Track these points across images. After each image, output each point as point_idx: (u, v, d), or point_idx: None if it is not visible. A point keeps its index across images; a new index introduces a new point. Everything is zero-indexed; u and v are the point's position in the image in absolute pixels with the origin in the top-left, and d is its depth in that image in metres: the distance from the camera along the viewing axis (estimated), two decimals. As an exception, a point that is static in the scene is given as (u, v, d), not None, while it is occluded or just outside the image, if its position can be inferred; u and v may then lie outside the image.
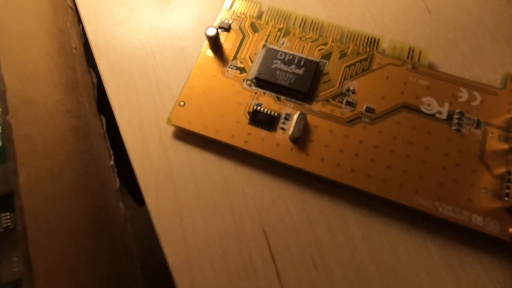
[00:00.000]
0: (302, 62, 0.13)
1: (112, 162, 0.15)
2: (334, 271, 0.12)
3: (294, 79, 0.13)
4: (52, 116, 0.12)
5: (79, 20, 0.17)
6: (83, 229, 0.12)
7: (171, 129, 0.14)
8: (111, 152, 0.15)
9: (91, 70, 0.16)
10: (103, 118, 0.15)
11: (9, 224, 0.14)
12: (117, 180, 0.15)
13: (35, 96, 0.12)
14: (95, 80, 0.16)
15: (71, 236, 0.11)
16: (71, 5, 0.17)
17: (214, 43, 0.14)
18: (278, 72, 0.13)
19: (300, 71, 0.13)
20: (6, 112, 0.11)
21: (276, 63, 0.14)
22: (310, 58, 0.14)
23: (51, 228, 0.11)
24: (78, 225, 0.12)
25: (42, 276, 0.10)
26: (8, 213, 0.14)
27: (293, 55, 0.14)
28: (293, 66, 0.13)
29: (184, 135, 0.14)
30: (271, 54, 0.14)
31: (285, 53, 0.14)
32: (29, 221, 0.10)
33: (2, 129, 0.15)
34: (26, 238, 0.10)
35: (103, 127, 0.15)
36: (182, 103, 0.13)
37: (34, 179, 0.11)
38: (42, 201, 0.11)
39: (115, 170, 0.15)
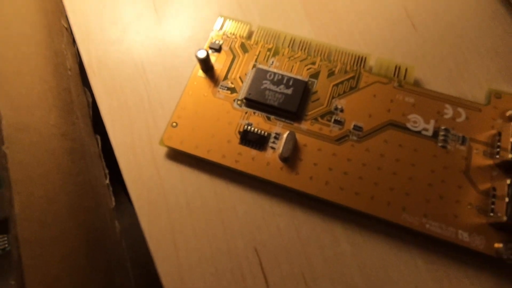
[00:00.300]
0: (291, 82, 0.14)
1: (107, 181, 0.15)
2: (324, 286, 0.12)
3: (283, 99, 0.13)
4: (46, 141, 0.13)
5: (74, 41, 0.17)
6: (77, 250, 0.12)
7: (163, 149, 0.14)
8: (107, 171, 0.15)
9: (86, 89, 0.16)
10: (98, 137, 0.15)
11: (6, 246, 0.14)
12: (113, 198, 0.15)
13: (29, 122, 0.12)
14: (90, 99, 0.16)
15: (66, 258, 0.12)
16: (66, 26, 0.17)
17: (205, 64, 0.14)
18: (267, 92, 0.14)
19: (289, 91, 0.14)
20: (1, 141, 0.11)
21: (265, 83, 0.14)
22: (299, 77, 0.14)
23: (46, 252, 0.11)
24: (73, 247, 0.12)
25: (37, 300, 0.10)
26: (5, 235, 0.14)
27: (282, 75, 0.14)
28: (282, 86, 0.14)
29: (176, 155, 0.14)
30: (260, 75, 0.14)
31: (274, 73, 0.14)
32: (24, 248, 0.10)
33: None
34: (21, 265, 0.10)
35: (98, 146, 0.15)
36: (174, 124, 0.14)
37: (29, 206, 0.11)
38: (37, 227, 0.11)
39: (111, 189, 0.15)
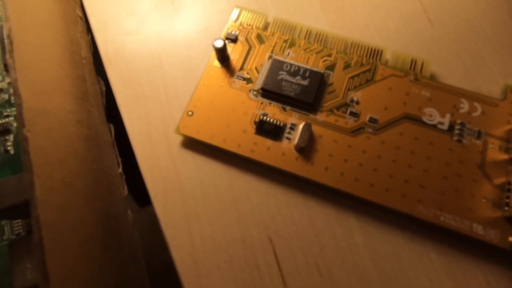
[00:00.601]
0: (307, 73, 0.14)
1: (120, 170, 0.15)
2: (337, 276, 0.12)
3: (299, 90, 0.14)
4: (63, 127, 0.13)
5: (88, 30, 0.17)
6: (93, 237, 0.12)
7: (179, 138, 0.14)
8: (119, 159, 0.15)
9: (99, 79, 0.17)
10: (111, 126, 0.16)
11: (21, 231, 0.14)
12: (125, 187, 0.15)
13: (47, 107, 0.13)
14: (103, 89, 0.16)
15: (83, 245, 0.12)
16: (80, 15, 0.17)
17: (222, 54, 0.14)
18: (283, 83, 0.14)
19: (305, 82, 0.14)
20: (22, 125, 0.11)
21: (281, 74, 0.14)
22: (315, 69, 0.14)
23: (64, 237, 0.11)
24: (89, 233, 0.12)
25: (57, 284, 0.10)
26: (19, 220, 0.15)
27: (299, 66, 0.14)
28: (298, 77, 0.14)
29: (192, 144, 0.14)
30: (277, 65, 0.14)
31: (291, 64, 0.14)
32: (45, 231, 0.10)
33: (15, 139, 0.15)
34: (42, 247, 0.10)
35: (111, 135, 0.16)
36: (190, 113, 0.14)
37: (49, 189, 0.11)
38: (56, 211, 0.11)
39: (123, 177, 0.15)
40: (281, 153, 0.13)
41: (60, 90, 0.14)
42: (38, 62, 0.13)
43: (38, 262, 0.10)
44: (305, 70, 0.14)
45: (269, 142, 0.13)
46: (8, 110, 0.16)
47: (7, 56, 0.12)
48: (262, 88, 0.14)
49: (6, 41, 0.12)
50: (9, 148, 0.15)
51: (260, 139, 0.13)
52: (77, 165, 0.13)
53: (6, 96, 0.16)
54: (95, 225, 0.13)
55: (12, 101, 0.16)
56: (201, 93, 0.14)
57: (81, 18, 0.17)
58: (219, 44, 0.14)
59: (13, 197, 0.13)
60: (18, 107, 0.12)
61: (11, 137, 0.15)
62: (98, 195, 0.14)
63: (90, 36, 0.17)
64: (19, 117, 0.11)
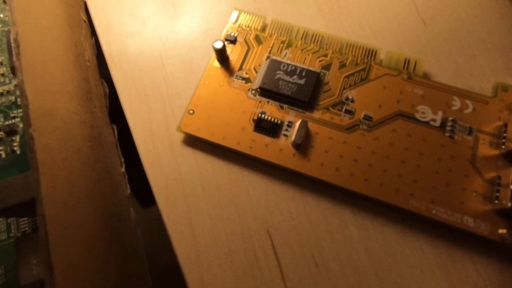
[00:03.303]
0: (304, 73, 0.14)
1: (123, 169, 0.16)
2: (333, 268, 0.12)
3: (296, 89, 0.14)
4: (68, 127, 0.13)
5: (92, 33, 0.18)
6: (96, 235, 0.13)
7: (180, 135, 0.15)
8: (122, 159, 0.16)
9: (103, 81, 0.17)
10: (114, 127, 0.16)
11: (26, 229, 0.15)
12: (128, 186, 0.15)
13: (53, 108, 0.13)
14: (107, 90, 0.17)
15: (86, 241, 0.12)
16: (84, 19, 0.18)
17: (221, 55, 0.15)
18: (281, 82, 0.14)
19: (302, 81, 0.14)
20: (29, 124, 0.12)
21: (279, 73, 0.14)
22: (311, 69, 0.14)
23: (69, 233, 0.11)
24: (92, 231, 0.13)
25: (62, 278, 0.11)
26: (26, 219, 0.15)
27: (295, 66, 0.14)
28: (295, 77, 0.14)
29: (193, 141, 0.15)
30: (274, 65, 0.15)
31: (288, 64, 0.15)
32: (50, 227, 0.11)
33: (21, 139, 0.16)
34: (48, 242, 0.10)
35: (114, 136, 0.16)
36: (191, 111, 0.14)
37: (54, 187, 0.12)
38: (61, 208, 0.12)
39: (126, 176, 0.15)
40: (279, 149, 0.14)
41: (65, 91, 0.15)
42: (43, 65, 0.14)
43: (44, 256, 0.11)
44: (302, 69, 0.14)
45: (267, 139, 0.14)
46: (15, 112, 0.16)
47: (14, 58, 0.13)
48: (260, 87, 0.14)
49: (13, 44, 0.13)
50: (15, 148, 0.16)
51: (259, 136, 0.14)
52: (81, 164, 0.14)
53: (13, 98, 0.17)
54: (99, 222, 0.13)
55: (19, 103, 0.17)
56: (202, 92, 0.15)
57: (85, 21, 0.18)
58: (218, 45, 0.14)
59: (19, 195, 0.14)
60: (24, 108, 0.12)
61: (17, 138, 0.16)
62: (101, 194, 0.14)
63: (94, 39, 0.17)
64: (25, 118, 0.12)
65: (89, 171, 0.14)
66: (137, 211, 0.15)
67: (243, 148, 0.14)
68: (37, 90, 0.14)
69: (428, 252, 0.13)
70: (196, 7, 0.17)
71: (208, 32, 0.17)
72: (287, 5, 0.17)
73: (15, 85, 0.17)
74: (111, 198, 0.15)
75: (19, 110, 0.16)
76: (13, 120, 0.16)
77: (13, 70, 0.17)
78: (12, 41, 0.14)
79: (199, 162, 0.14)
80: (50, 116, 0.13)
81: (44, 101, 0.14)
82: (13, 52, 0.13)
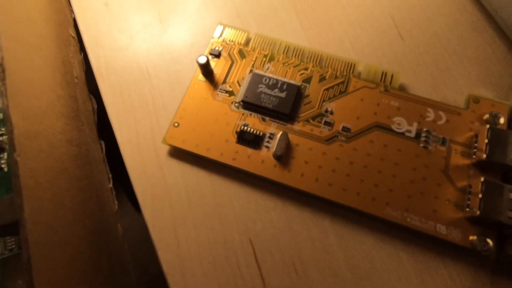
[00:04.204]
0: (285, 86, 0.15)
1: (110, 185, 0.16)
2: (313, 275, 0.13)
3: (277, 102, 0.15)
4: (54, 147, 0.14)
5: (81, 49, 0.18)
6: (82, 253, 0.13)
7: (166, 147, 0.15)
8: (110, 175, 0.16)
9: (91, 96, 0.17)
10: (102, 142, 0.16)
11: (13, 247, 0.15)
12: (115, 202, 0.16)
13: (38, 130, 0.13)
14: (95, 106, 0.17)
15: (72, 261, 0.12)
16: (73, 35, 0.18)
17: (205, 69, 0.15)
18: (263, 95, 0.15)
19: (283, 94, 0.15)
20: (13, 149, 0.12)
21: (261, 87, 0.15)
22: (292, 82, 0.15)
23: (53, 255, 0.12)
24: (78, 250, 0.13)
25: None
26: (13, 237, 0.15)
27: (277, 80, 0.15)
28: (276, 90, 0.15)
29: (178, 153, 0.15)
30: (256, 79, 0.15)
31: (269, 78, 0.15)
32: (34, 250, 0.11)
33: (9, 157, 0.16)
34: (30, 266, 0.11)
35: (102, 152, 0.16)
36: (176, 124, 0.15)
37: (38, 210, 0.12)
38: (45, 230, 0.12)
39: (114, 192, 0.16)
40: (261, 160, 0.14)
41: (51, 112, 0.15)
42: (29, 87, 0.14)
43: (27, 281, 0.11)
44: (283, 83, 0.15)
45: (249, 150, 0.14)
46: (3, 129, 0.17)
47: (0, 83, 0.13)
48: (242, 101, 0.15)
49: None
50: (3, 166, 0.16)
51: (241, 148, 0.14)
52: (67, 183, 0.14)
53: (0, 116, 0.17)
54: (84, 241, 0.13)
55: (9, 117, 0.17)
56: (187, 105, 0.15)
57: (73, 38, 0.18)
58: (202, 60, 0.15)
59: (6, 217, 0.14)
60: (9, 133, 0.12)
61: (5, 155, 0.16)
62: (88, 212, 0.14)
63: (82, 55, 0.18)
64: (10, 142, 0.12)
65: (75, 190, 0.14)
66: (130, 218, 0.15)
67: (226, 159, 0.14)
68: (22, 113, 0.14)
69: (404, 259, 0.13)
70: (182, 22, 0.18)
71: (194, 46, 0.17)
72: (270, 20, 0.18)
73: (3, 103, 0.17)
74: (98, 215, 0.15)
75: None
76: (1, 138, 0.16)
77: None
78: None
79: (184, 173, 0.15)
80: (35, 138, 0.14)
81: (29, 124, 0.14)
82: None
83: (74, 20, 0.18)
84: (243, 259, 0.13)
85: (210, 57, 0.16)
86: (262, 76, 0.15)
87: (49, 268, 0.11)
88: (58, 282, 0.11)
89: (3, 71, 0.13)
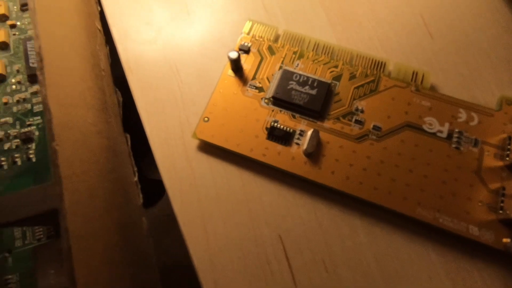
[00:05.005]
0: (315, 83, 0.15)
1: (136, 179, 0.16)
2: (343, 274, 0.13)
3: (308, 99, 0.15)
4: (86, 138, 0.14)
5: (107, 42, 0.18)
6: (113, 245, 0.13)
7: (195, 141, 0.15)
8: (135, 168, 0.16)
9: (117, 89, 0.17)
10: (128, 136, 0.17)
11: (42, 237, 0.15)
12: (141, 196, 0.16)
13: (72, 120, 0.13)
14: (120, 99, 0.17)
15: (105, 252, 0.13)
16: (99, 28, 0.18)
17: (236, 64, 0.15)
18: (293, 92, 0.15)
19: (314, 92, 0.15)
20: (52, 138, 0.12)
21: (291, 84, 0.15)
22: (323, 79, 0.15)
23: (89, 245, 0.12)
24: (110, 241, 0.13)
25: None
26: (41, 227, 0.15)
27: (307, 77, 0.15)
28: (307, 87, 0.15)
29: (207, 147, 0.15)
30: (287, 76, 0.15)
31: (300, 75, 0.15)
32: (73, 240, 0.11)
33: (37, 147, 0.16)
34: (71, 256, 0.11)
35: (128, 145, 0.16)
36: (206, 119, 0.15)
37: (75, 200, 0.12)
38: (81, 221, 0.12)
39: (139, 186, 0.16)
40: (291, 157, 0.14)
41: (83, 102, 0.15)
42: (63, 77, 0.14)
43: (67, 269, 0.11)
44: (314, 80, 0.15)
45: (279, 147, 0.14)
46: (31, 119, 0.17)
47: (38, 73, 0.13)
48: (273, 97, 0.15)
49: (36, 58, 0.13)
50: (31, 156, 0.16)
51: (271, 144, 0.14)
52: (98, 176, 0.14)
53: (29, 106, 0.17)
54: (115, 233, 0.14)
55: (35, 111, 0.17)
56: (216, 100, 0.15)
57: (100, 30, 0.18)
58: (234, 55, 0.15)
59: (38, 207, 0.14)
60: (48, 122, 0.12)
61: (33, 146, 0.16)
62: (116, 204, 0.14)
63: (108, 48, 0.18)
64: (48, 131, 0.12)
65: (106, 183, 0.14)
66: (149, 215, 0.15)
67: (256, 155, 0.14)
68: (59, 103, 0.14)
69: (435, 260, 0.13)
70: (210, 16, 0.18)
71: (221, 41, 0.17)
72: (298, 16, 0.18)
73: (32, 93, 0.17)
74: (125, 208, 0.15)
75: (35, 118, 0.17)
76: (29, 128, 0.16)
77: (29, 78, 0.17)
78: (34, 54, 0.14)
79: (213, 168, 0.15)
80: (70, 128, 0.14)
81: (64, 114, 0.14)
82: (37, 66, 0.13)
83: (100, 13, 0.18)
84: (273, 255, 0.13)
85: (240, 52, 0.16)
86: (292, 73, 0.15)
87: (86, 258, 0.11)
88: (94, 273, 0.12)
89: (41, 60, 0.13)
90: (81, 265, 0.11)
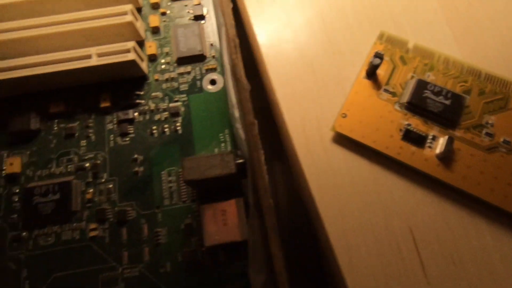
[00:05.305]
0: (449, 95, 0.16)
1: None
2: (469, 268, 0.14)
3: (442, 108, 0.16)
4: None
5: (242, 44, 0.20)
6: None
7: (329, 134, 0.17)
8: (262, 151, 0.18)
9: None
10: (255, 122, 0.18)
11: (186, 199, 0.17)
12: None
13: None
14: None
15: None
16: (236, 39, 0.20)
17: (374, 69, 0.17)
18: (428, 100, 0.16)
19: (448, 102, 0.16)
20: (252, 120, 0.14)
21: (426, 92, 0.16)
22: (457, 92, 0.16)
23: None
24: None
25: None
26: (186, 191, 0.17)
27: (441, 88, 0.16)
28: (441, 97, 0.16)
29: (342, 140, 0.17)
30: (422, 85, 0.16)
31: (434, 85, 0.16)
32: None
33: (183, 121, 0.18)
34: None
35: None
36: (344, 115, 0.17)
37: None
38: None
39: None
40: (424, 159, 0.15)
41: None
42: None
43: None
44: (447, 91, 0.16)
45: (413, 148, 0.16)
46: (177, 96, 0.19)
47: (233, 57, 0.15)
48: (408, 102, 0.16)
49: (231, 44, 0.15)
50: (178, 128, 0.19)
51: (405, 144, 0.16)
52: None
53: (176, 84, 0.19)
54: None
55: (181, 89, 0.19)
56: (353, 99, 0.17)
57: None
58: (376, 61, 0.16)
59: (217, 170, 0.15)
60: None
61: (179, 119, 0.19)
62: None
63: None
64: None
65: None
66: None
67: (391, 153, 0.16)
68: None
69: (558, 269, 0.14)
70: (342, 25, 0.19)
71: (353, 48, 0.19)
72: (423, 31, 0.19)
73: (178, 73, 0.20)
74: None
75: (181, 95, 0.19)
76: (176, 103, 0.19)
77: (179, 60, 0.20)
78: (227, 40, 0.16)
79: (347, 159, 0.16)
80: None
81: None
82: (229, 52, 0.15)
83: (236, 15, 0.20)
84: (404, 244, 0.15)
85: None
86: (427, 83, 0.17)
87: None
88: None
89: (235, 46, 0.15)
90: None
